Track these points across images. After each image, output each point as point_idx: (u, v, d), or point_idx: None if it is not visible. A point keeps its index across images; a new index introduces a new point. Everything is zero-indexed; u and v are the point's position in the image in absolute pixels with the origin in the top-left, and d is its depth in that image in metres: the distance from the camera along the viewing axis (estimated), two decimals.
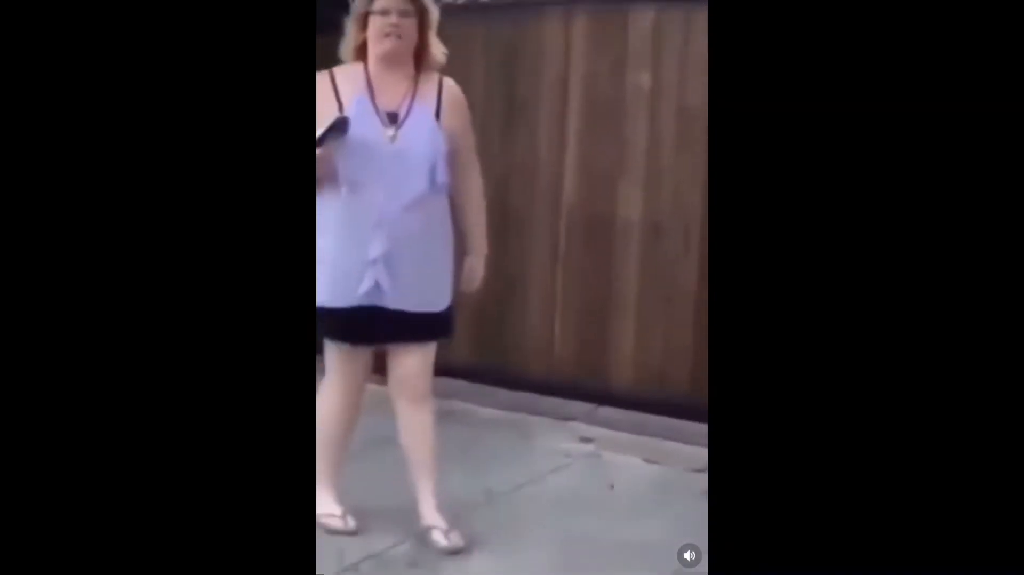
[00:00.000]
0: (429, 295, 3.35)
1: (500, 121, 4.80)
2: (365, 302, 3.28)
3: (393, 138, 3.26)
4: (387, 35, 3.28)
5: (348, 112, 3.27)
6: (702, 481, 4.04)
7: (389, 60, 3.31)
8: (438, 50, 3.36)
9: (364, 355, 3.45)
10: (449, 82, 3.39)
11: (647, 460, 4.28)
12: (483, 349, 4.99)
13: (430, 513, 3.47)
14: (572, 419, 4.69)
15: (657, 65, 4.54)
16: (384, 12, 3.28)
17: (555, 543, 3.51)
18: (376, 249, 3.25)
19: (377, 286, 3.26)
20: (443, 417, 3.51)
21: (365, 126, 3.26)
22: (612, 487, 4.02)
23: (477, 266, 3.54)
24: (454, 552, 3.40)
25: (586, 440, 4.48)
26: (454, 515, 3.54)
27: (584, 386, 4.80)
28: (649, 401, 4.68)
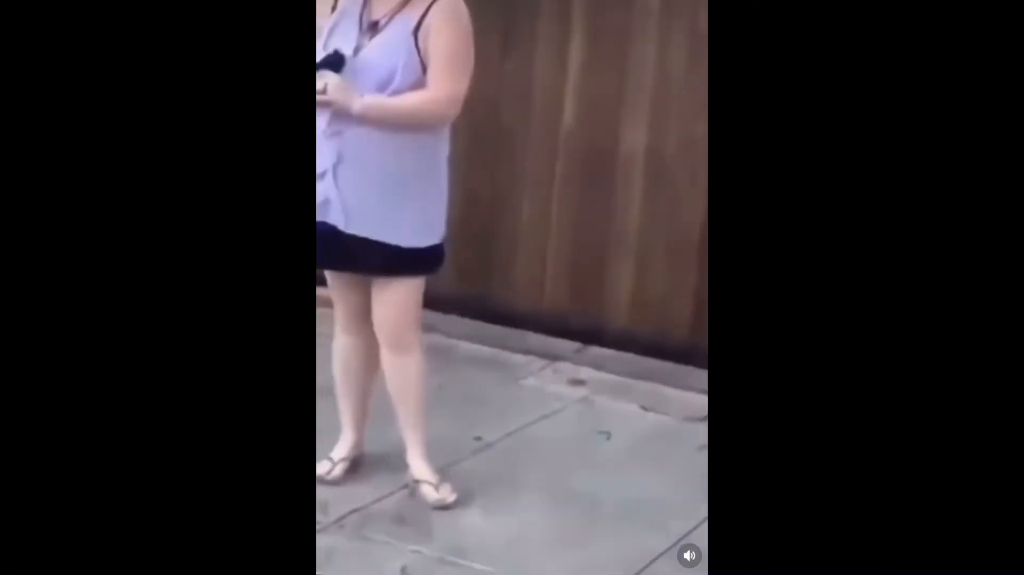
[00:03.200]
0: (404, 225, 3.22)
1: (497, 38, 4.66)
2: (322, 219, 3.18)
3: (361, 48, 3.17)
4: None
5: (335, 15, 3.23)
6: (700, 431, 4.03)
7: None
8: None
9: (350, 283, 3.36)
10: (448, 3, 3.18)
11: (643, 408, 4.23)
12: (466, 279, 4.90)
13: (418, 466, 3.43)
14: (560, 359, 4.63)
15: None
16: None
17: (549, 498, 3.51)
18: (324, 162, 3.16)
19: (327, 202, 3.18)
20: None
21: (339, 35, 3.20)
22: (608, 436, 3.98)
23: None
24: (443, 507, 3.36)
25: (577, 383, 4.43)
26: (443, 464, 3.50)
27: (576, 324, 4.74)
28: (645, 343, 4.63)
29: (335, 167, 3.16)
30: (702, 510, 3.39)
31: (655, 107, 4.53)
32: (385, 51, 3.15)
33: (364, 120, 3.13)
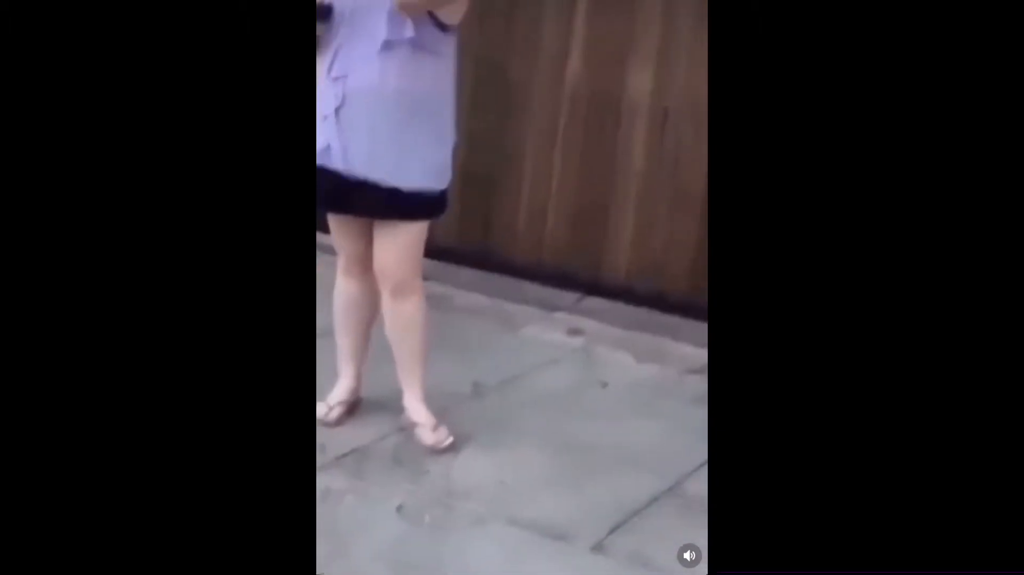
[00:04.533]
0: (406, 168, 3.23)
1: None
2: (324, 163, 3.20)
3: None
4: None
5: None
6: (697, 384, 4.07)
7: None
8: None
9: (352, 228, 3.38)
10: None
11: (640, 359, 4.27)
12: (467, 229, 4.94)
13: (415, 409, 3.47)
14: (559, 309, 4.66)
15: None
16: None
17: (545, 444, 3.54)
18: (327, 105, 3.18)
19: (328, 147, 3.19)
20: None
21: None
22: (605, 386, 4.02)
23: None
24: (439, 450, 3.40)
25: (575, 332, 4.47)
26: (440, 408, 3.54)
27: (575, 275, 4.78)
28: (643, 295, 4.66)
29: (337, 110, 3.18)
30: (696, 457, 3.47)
31: (661, 59, 4.55)
32: None
33: None
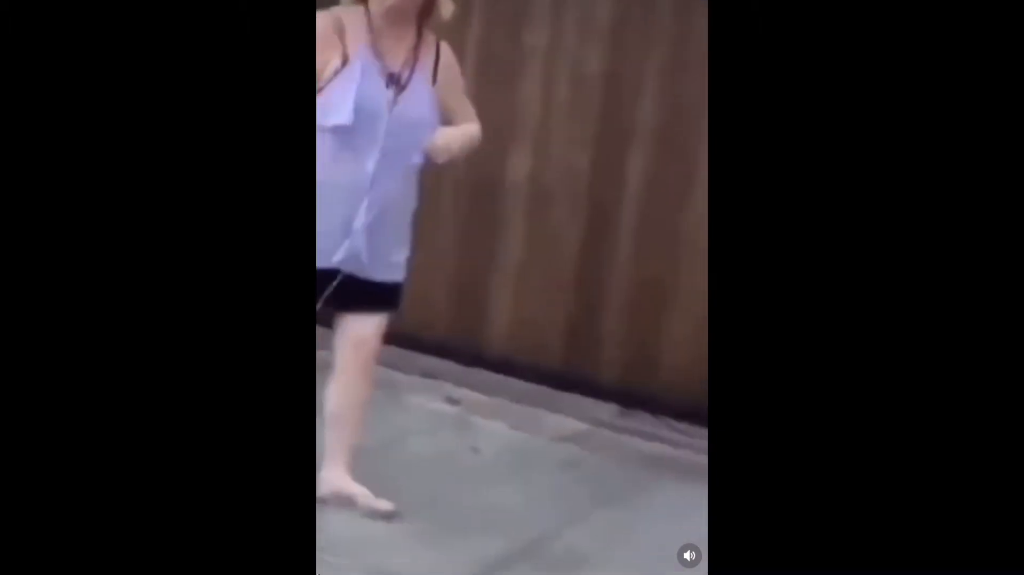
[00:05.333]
0: (398, 264, 3.48)
1: None
2: (338, 268, 3.33)
3: (393, 103, 3.30)
4: None
5: (353, 65, 3.26)
6: (564, 450, 4.27)
7: (396, 13, 3.29)
8: (447, 8, 3.34)
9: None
10: (446, 47, 3.43)
11: (512, 427, 4.46)
12: None
13: (348, 482, 3.56)
14: (440, 379, 4.84)
15: (556, 26, 4.68)
16: None
17: (418, 505, 3.67)
18: (359, 219, 3.31)
19: (353, 256, 3.34)
20: None
21: (368, 84, 3.28)
22: (476, 451, 4.20)
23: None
24: (388, 516, 3.51)
25: (453, 402, 4.65)
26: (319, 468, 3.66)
27: (456, 347, 4.96)
28: (521, 367, 4.86)
29: (369, 225, 3.32)
30: (555, 519, 3.65)
31: (539, 142, 4.79)
32: (419, 110, 3.33)
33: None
